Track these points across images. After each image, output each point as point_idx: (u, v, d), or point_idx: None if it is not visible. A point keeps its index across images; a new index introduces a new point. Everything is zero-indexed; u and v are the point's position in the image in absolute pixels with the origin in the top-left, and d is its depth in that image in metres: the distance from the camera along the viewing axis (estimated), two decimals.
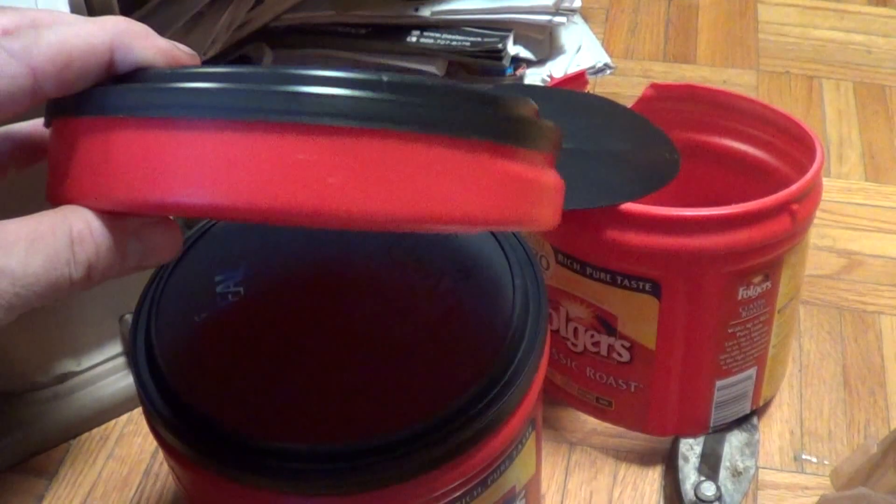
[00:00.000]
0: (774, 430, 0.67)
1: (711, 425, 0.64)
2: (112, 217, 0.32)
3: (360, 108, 0.30)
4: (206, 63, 0.76)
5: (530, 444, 0.47)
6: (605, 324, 0.59)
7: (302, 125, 0.29)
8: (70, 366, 0.66)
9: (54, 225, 0.31)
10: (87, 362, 0.66)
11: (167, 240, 0.34)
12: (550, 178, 0.38)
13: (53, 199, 0.33)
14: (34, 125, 0.38)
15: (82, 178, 0.32)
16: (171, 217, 0.34)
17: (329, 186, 0.30)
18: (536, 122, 0.36)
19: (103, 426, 0.69)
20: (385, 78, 0.30)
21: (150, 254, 0.34)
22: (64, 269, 0.31)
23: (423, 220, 0.32)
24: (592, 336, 0.60)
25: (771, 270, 0.57)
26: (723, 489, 0.61)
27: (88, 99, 0.31)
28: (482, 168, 0.33)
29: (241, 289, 0.47)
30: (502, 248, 0.48)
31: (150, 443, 0.67)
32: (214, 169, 0.30)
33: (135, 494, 0.65)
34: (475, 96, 0.33)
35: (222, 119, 0.29)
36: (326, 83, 0.30)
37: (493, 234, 0.49)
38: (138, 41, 0.32)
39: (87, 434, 0.68)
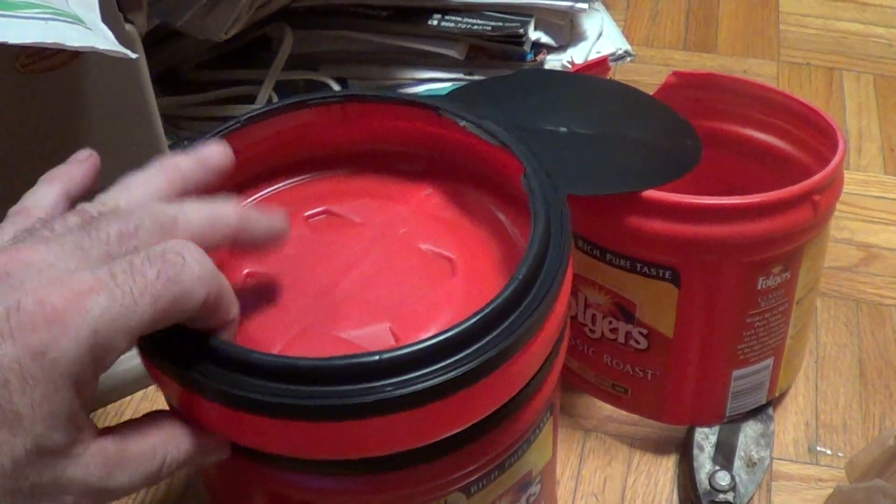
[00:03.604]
0: (790, 421, 0.67)
1: (727, 415, 0.64)
2: (203, 437, 0.39)
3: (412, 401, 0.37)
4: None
5: (548, 428, 0.47)
6: (624, 311, 0.59)
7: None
8: None
9: (155, 449, 0.38)
10: None
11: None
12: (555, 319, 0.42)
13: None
14: None
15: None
16: None
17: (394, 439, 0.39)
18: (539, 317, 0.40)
19: (118, 402, 0.69)
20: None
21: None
22: (151, 482, 0.38)
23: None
24: (610, 323, 0.60)
25: (791, 261, 0.57)
26: (737, 479, 0.61)
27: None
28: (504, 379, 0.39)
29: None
30: None
31: None
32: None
33: None
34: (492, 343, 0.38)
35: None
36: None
37: None
38: None
39: (101, 410, 0.68)
